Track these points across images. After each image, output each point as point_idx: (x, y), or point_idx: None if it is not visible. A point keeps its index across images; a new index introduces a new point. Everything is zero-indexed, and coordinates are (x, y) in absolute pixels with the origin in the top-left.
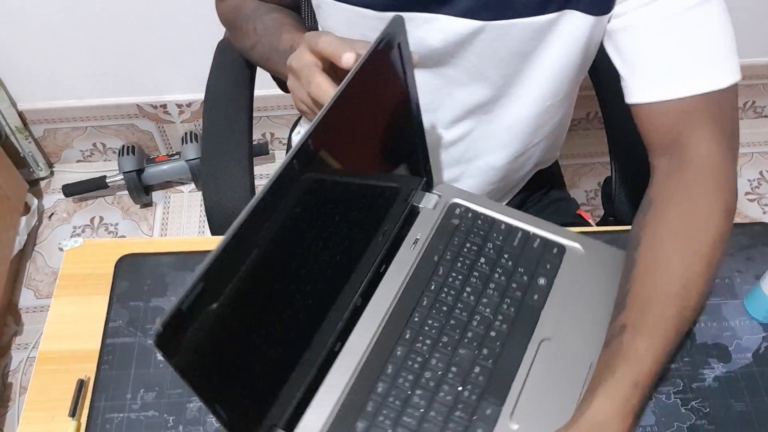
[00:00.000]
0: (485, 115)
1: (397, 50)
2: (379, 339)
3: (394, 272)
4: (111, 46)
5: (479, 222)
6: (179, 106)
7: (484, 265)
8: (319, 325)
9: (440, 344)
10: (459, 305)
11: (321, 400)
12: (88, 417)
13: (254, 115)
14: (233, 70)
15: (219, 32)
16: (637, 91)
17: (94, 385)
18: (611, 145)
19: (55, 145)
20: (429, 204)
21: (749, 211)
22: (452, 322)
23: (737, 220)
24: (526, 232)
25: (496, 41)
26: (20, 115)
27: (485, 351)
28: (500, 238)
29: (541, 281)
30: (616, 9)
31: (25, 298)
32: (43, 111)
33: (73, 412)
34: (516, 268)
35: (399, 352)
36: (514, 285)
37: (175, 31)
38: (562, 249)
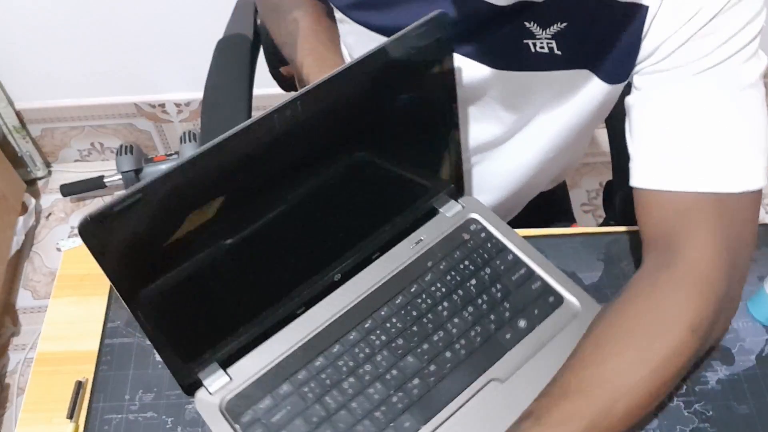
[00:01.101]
0: (491, 154)
1: (436, 45)
2: (340, 318)
3: (383, 262)
4: (109, 45)
5: (489, 245)
6: (177, 105)
7: (471, 287)
8: (290, 285)
9: (393, 344)
10: (429, 315)
11: (263, 351)
12: (86, 418)
13: (253, 114)
14: (232, 68)
15: (217, 31)
16: (637, 173)
17: (92, 385)
18: (613, 150)
19: (52, 144)
20: (449, 211)
21: None
22: (415, 328)
23: None
24: (530, 271)
25: (508, 88)
26: (18, 114)
27: (432, 367)
28: (502, 267)
29: (522, 323)
30: (636, 81)
31: (23, 299)
32: (40, 110)
33: (71, 414)
34: (503, 302)
35: (351, 337)
36: (492, 316)
37: (174, 30)
38: (558, 300)
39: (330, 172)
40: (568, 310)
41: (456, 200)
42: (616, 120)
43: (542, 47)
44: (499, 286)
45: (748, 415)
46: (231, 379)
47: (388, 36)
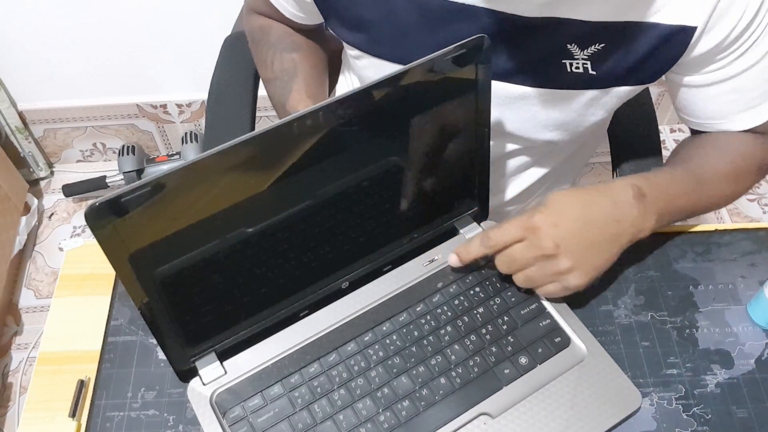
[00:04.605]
0: (501, 164)
1: (474, 68)
2: (341, 327)
3: (394, 276)
4: (111, 46)
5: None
6: (179, 106)
7: (478, 315)
8: (297, 285)
9: (389, 362)
10: (430, 338)
11: (261, 349)
12: (88, 415)
13: (256, 114)
14: (239, 66)
15: (219, 32)
16: (740, 121)
17: (95, 383)
18: (613, 150)
19: (55, 145)
20: (469, 233)
21: (749, 211)
22: (413, 349)
23: (738, 220)
24: (542, 307)
25: (535, 107)
26: (20, 115)
27: (424, 392)
28: (513, 299)
29: (523, 360)
30: (676, 68)
31: (26, 298)
32: (43, 111)
33: (74, 413)
34: (507, 335)
35: (349, 348)
36: (493, 349)
37: (175, 30)
38: (565, 342)
39: (353, 180)
40: (573, 354)
41: (478, 223)
42: (616, 120)
43: (577, 67)
44: (506, 318)
45: (747, 419)
46: (226, 372)
47: (403, 65)
